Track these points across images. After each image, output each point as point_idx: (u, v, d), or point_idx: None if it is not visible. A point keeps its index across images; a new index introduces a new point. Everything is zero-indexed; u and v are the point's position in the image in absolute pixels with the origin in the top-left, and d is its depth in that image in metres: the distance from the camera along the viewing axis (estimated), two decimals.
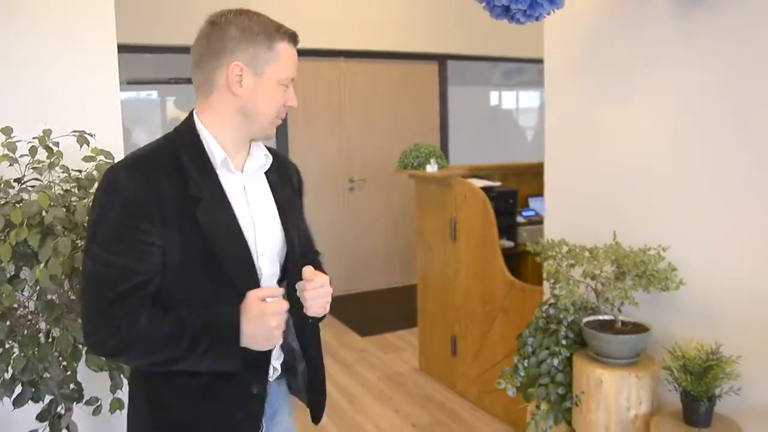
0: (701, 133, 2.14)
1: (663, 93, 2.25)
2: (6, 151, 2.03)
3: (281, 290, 1.31)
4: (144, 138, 5.35)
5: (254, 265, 1.31)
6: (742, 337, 2.03)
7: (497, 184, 3.83)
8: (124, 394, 2.27)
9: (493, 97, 6.89)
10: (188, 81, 1.38)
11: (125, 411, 2.24)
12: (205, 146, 1.29)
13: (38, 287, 1.97)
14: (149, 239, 1.19)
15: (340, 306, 5.57)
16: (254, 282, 1.30)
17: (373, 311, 5.47)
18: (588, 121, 2.56)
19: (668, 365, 2.05)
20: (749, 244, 2.02)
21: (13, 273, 1.95)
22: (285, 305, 1.26)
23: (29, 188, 2.05)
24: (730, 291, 2.09)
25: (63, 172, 2.13)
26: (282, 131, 5.56)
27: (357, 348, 4.61)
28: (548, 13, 2.07)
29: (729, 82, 2.04)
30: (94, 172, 2.14)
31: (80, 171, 2.15)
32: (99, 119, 2.38)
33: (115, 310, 1.19)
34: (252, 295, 1.24)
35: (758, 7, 1.94)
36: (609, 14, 2.41)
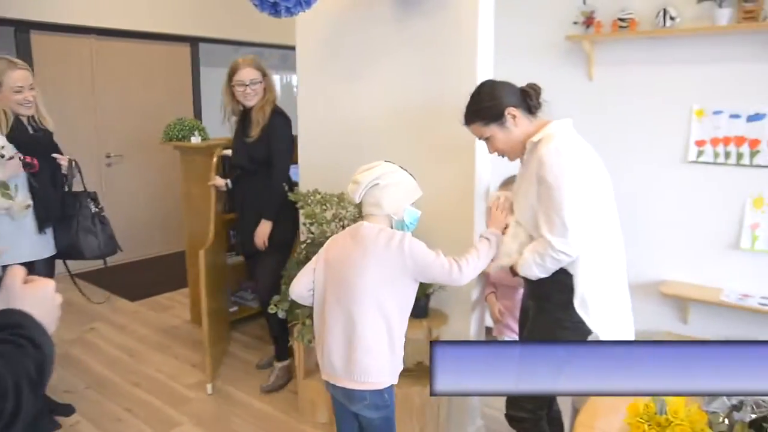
0: (405, 106, 2.71)
1: (383, 74, 2.77)
2: None
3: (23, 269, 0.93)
4: None
5: None
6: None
7: None
8: None
9: None
10: None
11: None
12: None
13: None
14: None
15: (105, 276, 5.33)
16: None
17: (140, 278, 5.39)
18: (332, 95, 2.99)
19: None
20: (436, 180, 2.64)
21: None
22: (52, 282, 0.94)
23: None
24: (436, 217, 2.69)
25: None
26: None
27: (129, 311, 4.57)
28: (303, 11, 2.43)
29: (426, 67, 2.63)
30: None
31: None
32: None
33: None
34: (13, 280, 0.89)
35: (441, 21, 2.53)
36: (348, 12, 2.86)
